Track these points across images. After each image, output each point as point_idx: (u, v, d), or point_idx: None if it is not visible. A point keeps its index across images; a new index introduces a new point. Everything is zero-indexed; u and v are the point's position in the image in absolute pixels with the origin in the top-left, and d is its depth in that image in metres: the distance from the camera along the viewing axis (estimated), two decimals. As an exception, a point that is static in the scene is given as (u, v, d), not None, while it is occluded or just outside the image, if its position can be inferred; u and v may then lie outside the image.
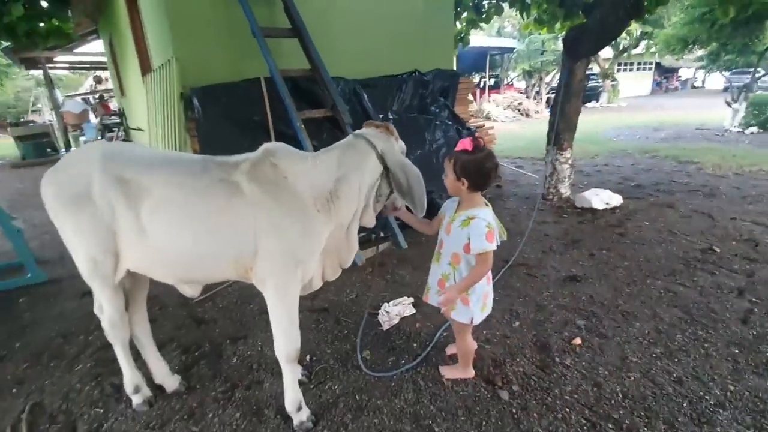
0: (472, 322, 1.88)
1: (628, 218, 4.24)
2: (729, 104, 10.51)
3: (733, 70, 17.40)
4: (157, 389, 2.06)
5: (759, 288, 2.76)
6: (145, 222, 1.54)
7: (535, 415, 1.83)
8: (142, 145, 1.93)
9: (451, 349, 2.25)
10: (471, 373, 2.06)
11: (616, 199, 4.67)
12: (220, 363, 2.28)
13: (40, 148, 11.14)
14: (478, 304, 1.87)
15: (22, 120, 15.36)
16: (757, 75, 10.98)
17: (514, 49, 19.98)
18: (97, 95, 15.21)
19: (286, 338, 1.68)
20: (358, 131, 1.80)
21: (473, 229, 1.71)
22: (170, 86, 3.87)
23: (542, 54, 19.43)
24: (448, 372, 2.09)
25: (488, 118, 14.61)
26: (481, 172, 1.68)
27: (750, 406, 1.83)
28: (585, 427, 1.75)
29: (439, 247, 1.93)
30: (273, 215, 1.56)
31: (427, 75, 4.96)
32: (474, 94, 16.03)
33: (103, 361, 2.34)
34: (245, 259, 1.59)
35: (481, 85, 19.45)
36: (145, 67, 5.43)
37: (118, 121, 10.12)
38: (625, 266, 3.18)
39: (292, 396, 1.79)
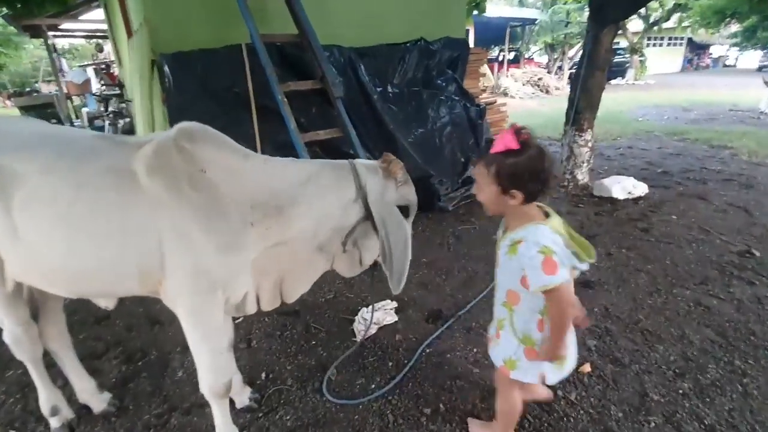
0: (544, 380, 1.32)
1: (653, 211, 3.77)
2: (767, 84, 9.68)
3: (769, 49, 16.19)
4: (83, 409, 1.77)
5: (809, 304, 2.31)
6: (17, 221, 1.18)
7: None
8: (30, 119, 1.55)
9: None
10: None
11: (640, 188, 4.18)
12: (163, 377, 1.97)
13: (43, 119, 10.91)
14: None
15: (27, 90, 15.28)
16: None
17: (536, 20, 18.82)
18: (102, 64, 14.89)
19: (208, 372, 1.33)
20: (355, 160, 1.43)
21: (522, 259, 1.19)
22: (142, 52, 3.48)
23: (566, 26, 18.33)
24: (479, 431, 1.59)
25: (506, 93, 13.85)
26: (540, 176, 1.15)
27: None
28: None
29: (497, 286, 1.40)
30: (179, 221, 1.18)
31: (434, 44, 4.44)
32: (491, 68, 15.19)
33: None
34: (152, 273, 1.22)
35: (500, 58, 18.49)
36: (129, 32, 5.03)
37: (118, 92, 9.81)
38: (647, 270, 2.74)
39: (224, 438, 1.46)
